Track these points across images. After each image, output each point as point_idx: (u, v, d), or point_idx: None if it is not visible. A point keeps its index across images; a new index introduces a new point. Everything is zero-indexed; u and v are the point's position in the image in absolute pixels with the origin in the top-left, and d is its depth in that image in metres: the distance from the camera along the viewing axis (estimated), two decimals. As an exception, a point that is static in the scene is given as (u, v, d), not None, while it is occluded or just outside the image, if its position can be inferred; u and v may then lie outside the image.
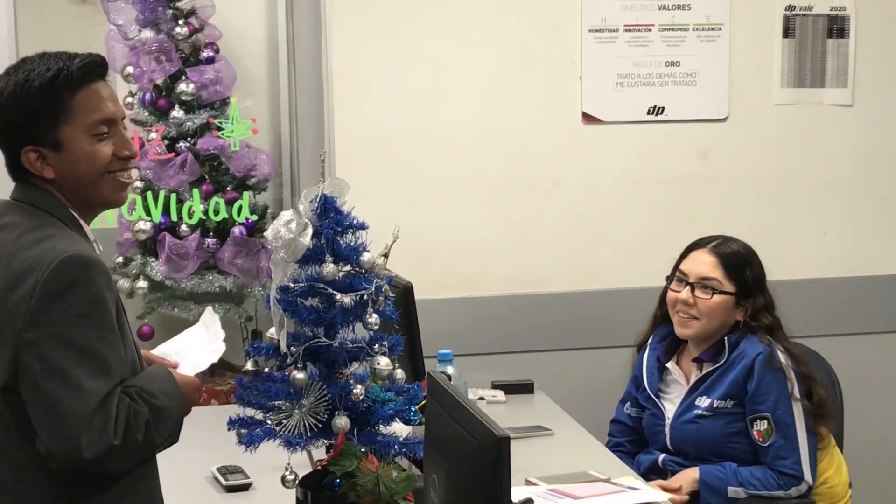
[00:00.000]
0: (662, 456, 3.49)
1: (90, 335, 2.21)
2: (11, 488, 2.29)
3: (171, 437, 2.37)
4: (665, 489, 3.25)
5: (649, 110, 4.28)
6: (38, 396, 2.19)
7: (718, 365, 3.43)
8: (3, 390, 2.24)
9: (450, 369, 3.37)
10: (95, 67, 2.36)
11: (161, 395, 2.33)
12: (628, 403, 3.65)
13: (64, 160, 2.32)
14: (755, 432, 3.36)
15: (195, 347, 2.62)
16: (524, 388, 3.95)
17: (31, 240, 2.26)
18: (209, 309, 2.79)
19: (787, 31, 4.35)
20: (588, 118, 4.25)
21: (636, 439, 3.64)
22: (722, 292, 3.43)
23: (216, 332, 2.71)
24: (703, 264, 3.47)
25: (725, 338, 3.43)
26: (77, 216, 2.36)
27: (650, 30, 4.26)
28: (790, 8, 4.34)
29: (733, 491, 3.33)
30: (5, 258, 2.27)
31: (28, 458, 2.27)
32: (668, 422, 3.50)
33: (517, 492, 2.68)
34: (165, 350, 2.62)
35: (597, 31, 4.22)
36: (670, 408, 3.50)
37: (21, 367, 2.20)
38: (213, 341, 2.68)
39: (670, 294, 3.52)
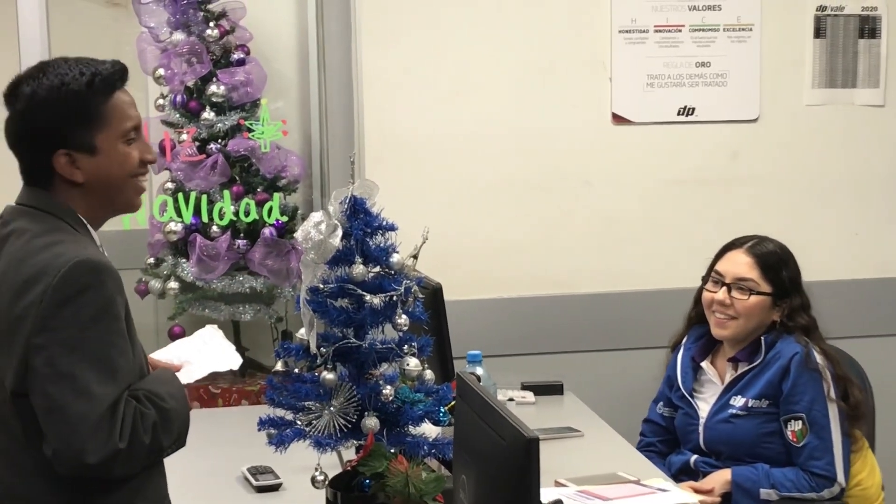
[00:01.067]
0: (694, 457, 3.49)
1: (99, 340, 2.21)
2: (19, 494, 2.30)
3: (179, 441, 2.36)
4: (697, 490, 3.25)
5: (679, 111, 4.27)
6: (46, 401, 2.18)
7: (754, 365, 3.42)
8: (13, 395, 2.24)
9: (479, 370, 3.37)
10: (125, 74, 2.38)
11: (168, 397, 2.33)
12: (661, 403, 3.65)
13: (97, 164, 2.33)
14: (789, 433, 3.35)
15: (197, 355, 2.62)
16: (554, 390, 3.94)
17: (39, 244, 2.26)
18: (212, 326, 2.79)
19: (819, 32, 4.33)
20: (618, 119, 4.24)
21: (668, 439, 3.63)
22: (759, 293, 3.42)
23: (219, 346, 2.71)
24: (740, 265, 3.46)
25: (762, 337, 3.42)
26: (85, 221, 2.37)
27: (680, 30, 4.25)
28: (821, 8, 4.32)
29: (765, 493, 3.31)
30: (14, 263, 2.27)
31: (34, 463, 2.27)
32: (701, 421, 3.49)
33: (547, 493, 2.68)
34: (164, 356, 2.62)
35: (627, 31, 4.21)
36: (704, 407, 3.49)
37: (30, 371, 2.20)
38: (218, 353, 2.69)
39: (706, 295, 3.50)
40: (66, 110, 2.29)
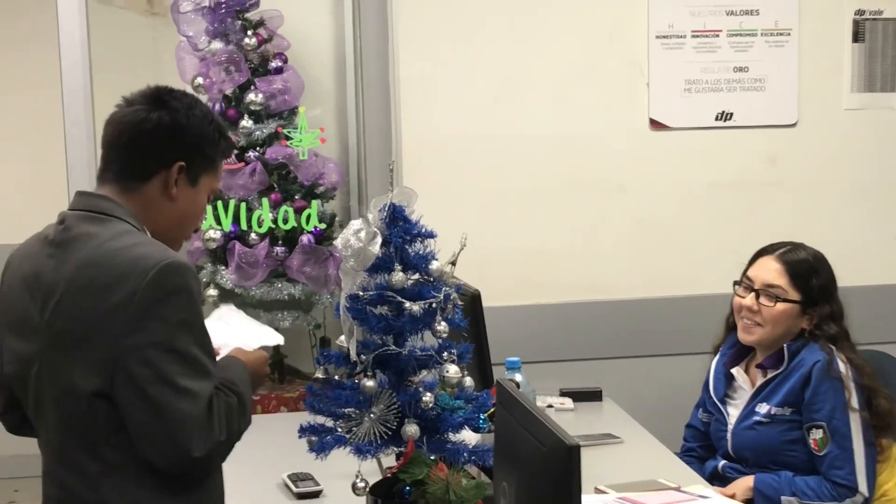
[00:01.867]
0: (722, 462, 3.48)
1: (190, 339, 2.27)
2: (86, 499, 2.32)
3: (249, 421, 2.43)
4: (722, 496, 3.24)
5: (717, 116, 4.26)
6: (146, 401, 2.23)
7: (779, 372, 3.40)
8: (92, 395, 2.27)
9: (518, 377, 3.36)
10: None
11: (241, 383, 2.41)
12: (701, 409, 3.64)
13: (188, 195, 2.44)
14: (811, 441, 3.33)
15: (228, 338, 2.63)
16: (592, 396, 3.94)
17: (115, 248, 2.30)
18: (226, 306, 2.81)
19: (857, 36, 4.32)
20: (655, 124, 4.23)
21: (707, 444, 3.62)
22: (786, 300, 3.41)
23: (247, 324, 2.74)
24: (769, 271, 3.45)
25: (785, 345, 3.41)
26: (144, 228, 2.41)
27: (718, 35, 4.24)
28: (860, 12, 4.31)
29: (787, 500, 3.30)
30: (90, 266, 2.29)
31: (98, 466, 2.31)
32: (730, 427, 3.48)
33: (587, 500, 2.67)
34: None
35: (664, 37, 4.21)
36: (734, 413, 3.49)
37: (123, 373, 2.24)
38: (251, 331, 2.71)
39: (736, 300, 3.50)
40: (207, 140, 2.45)
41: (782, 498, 3.30)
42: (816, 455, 3.32)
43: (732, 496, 3.28)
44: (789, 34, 4.27)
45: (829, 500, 3.28)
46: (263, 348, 2.66)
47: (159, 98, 2.43)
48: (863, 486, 3.28)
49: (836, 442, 3.29)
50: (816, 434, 3.31)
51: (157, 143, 2.40)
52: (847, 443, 3.29)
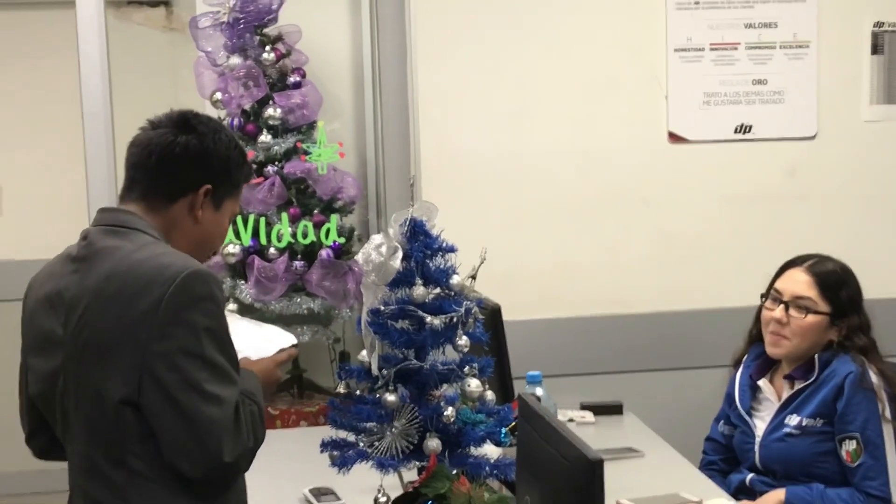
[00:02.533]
0: (751, 476, 3.46)
1: (216, 346, 2.29)
2: None
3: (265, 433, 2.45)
4: None
5: (736, 129, 4.26)
6: (174, 407, 2.25)
7: (809, 383, 3.39)
8: (120, 404, 2.28)
9: (539, 391, 3.36)
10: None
11: (258, 392, 2.43)
12: (722, 421, 3.63)
13: (211, 218, 2.48)
14: (844, 452, 3.31)
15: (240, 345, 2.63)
16: (613, 410, 3.93)
17: (140, 258, 2.32)
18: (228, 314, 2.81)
19: (876, 48, 4.31)
20: (674, 137, 4.23)
21: (729, 458, 3.61)
22: (816, 312, 3.39)
23: (255, 329, 2.74)
24: (799, 283, 3.44)
25: (816, 356, 3.39)
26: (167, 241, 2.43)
27: (736, 48, 4.23)
28: (878, 24, 4.30)
29: None
30: (115, 276, 2.31)
31: (125, 475, 2.31)
32: (757, 440, 3.46)
33: (609, 514, 2.67)
34: None
35: (682, 50, 4.21)
36: (761, 425, 3.47)
37: (150, 379, 2.26)
38: (261, 335, 2.71)
39: (765, 313, 3.48)
40: (232, 165, 2.49)
41: None
42: (849, 467, 3.30)
43: None
44: (808, 46, 4.26)
45: None
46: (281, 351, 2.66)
47: (186, 122, 2.46)
48: None
49: (870, 453, 3.27)
50: (850, 445, 3.30)
51: (186, 166, 2.43)
52: (880, 453, 3.28)
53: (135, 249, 2.34)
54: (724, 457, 3.62)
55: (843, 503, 3.28)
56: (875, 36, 4.31)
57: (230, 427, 2.26)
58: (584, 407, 3.90)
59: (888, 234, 4.33)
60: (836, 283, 3.42)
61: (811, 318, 3.39)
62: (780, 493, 3.34)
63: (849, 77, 4.30)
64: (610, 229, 4.21)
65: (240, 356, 2.51)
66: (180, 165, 2.43)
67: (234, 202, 2.53)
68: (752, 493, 3.42)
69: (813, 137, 4.30)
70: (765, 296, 3.51)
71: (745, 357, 3.59)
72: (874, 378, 3.33)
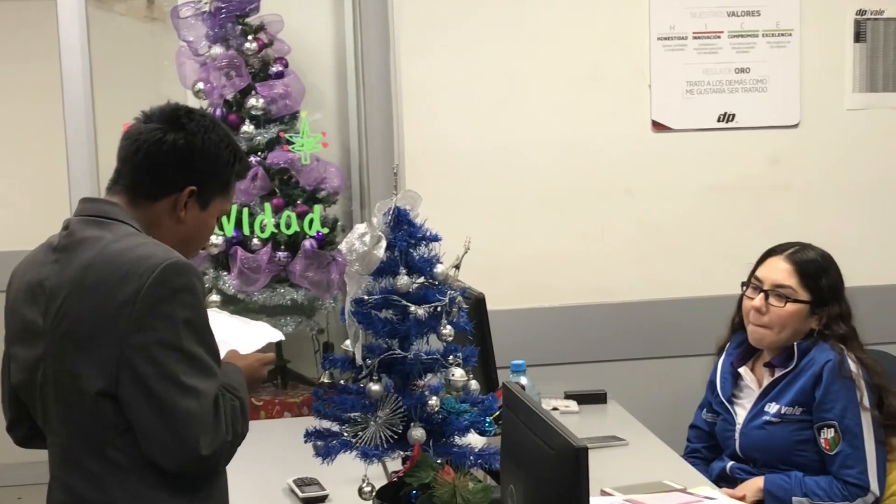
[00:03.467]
0: (731, 463, 3.47)
1: (195, 338, 2.28)
2: (90, 500, 2.32)
3: (248, 427, 2.44)
4: (730, 497, 3.23)
5: (719, 117, 4.26)
6: (151, 399, 2.24)
7: (788, 371, 3.40)
8: (98, 395, 2.27)
9: (523, 380, 3.36)
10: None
11: (240, 387, 2.41)
12: (705, 409, 3.64)
13: (196, 219, 2.46)
14: (822, 440, 3.32)
15: (225, 338, 2.62)
16: (597, 398, 3.93)
17: (120, 248, 2.31)
18: (211, 310, 2.80)
19: (859, 36, 4.31)
20: (658, 126, 4.23)
21: (712, 445, 3.62)
22: (796, 300, 3.40)
23: (238, 323, 2.73)
24: (779, 272, 3.44)
25: (795, 344, 3.40)
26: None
27: (719, 37, 4.23)
28: (861, 12, 4.30)
29: (798, 501, 3.29)
30: (95, 267, 2.30)
31: (104, 467, 2.31)
32: (738, 427, 3.47)
33: (593, 502, 2.67)
34: None
35: (665, 38, 4.20)
36: (742, 413, 3.48)
37: (128, 371, 2.25)
38: (246, 330, 2.71)
39: (745, 301, 3.49)
40: (221, 166, 2.46)
41: (793, 499, 3.29)
42: (827, 455, 3.31)
43: (742, 498, 3.27)
44: (790, 35, 4.26)
45: (840, 499, 3.27)
46: (267, 346, 2.66)
47: (177, 119, 2.44)
48: (874, 485, 3.28)
49: (848, 441, 3.28)
50: (828, 433, 3.31)
51: (171, 166, 2.41)
52: (859, 442, 3.29)
53: (115, 240, 2.33)
54: (707, 444, 3.63)
55: (821, 491, 3.29)
56: (858, 24, 4.31)
57: (208, 420, 2.25)
58: (568, 396, 3.91)
59: (870, 222, 4.34)
60: (817, 271, 3.43)
61: (791, 306, 3.40)
62: (759, 481, 3.35)
63: (831, 65, 4.30)
64: (594, 218, 4.21)
65: (226, 349, 2.52)
66: (165, 165, 2.40)
67: (223, 201, 2.50)
68: (733, 480, 3.43)
69: (796, 126, 4.30)
70: (746, 284, 3.52)
71: (728, 345, 3.60)
72: (853, 366, 3.34)
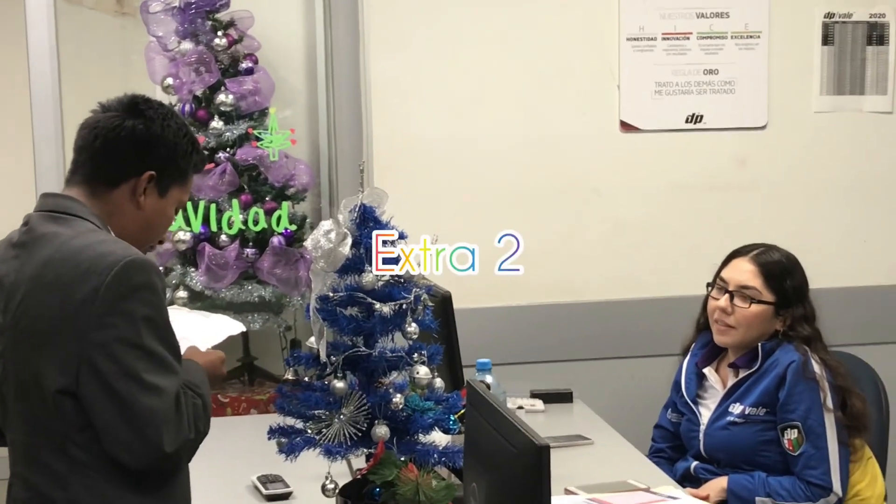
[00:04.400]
0: (695, 463, 3.49)
1: (155, 336, 2.28)
2: (51, 498, 2.31)
3: (208, 427, 2.43)
4: (694, 497, 3.25)
5: (688, 118, 4.27)
6: (113, 398, 2.24)
7: (752, 371, 3.41)
8: (58, 393, 2.26)
9: (489, 378, 3.37)
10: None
11: (202, 384, 2.41)
12: (670, 409, 3.65)
13: (155, 206, 2.45)
14: (786, 441, 3.34)
15: (187, 333, 2.61)
16: (563, 398, 3.94)
17: (79, 245, 2.30)
18: (172, 308, 2.78)
19: (826, 39, 4.33)
20: (626, 126, 4.24)
21: (677, 445, 3.63)
22: (760, 301, 3.42)
23: (198, 318, 2.73)
24: (744, 273, 3.46)
25: (760, 344, 3.42)
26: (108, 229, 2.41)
27: (688, 38, 4.25)
28: (829, 15, 4.32)
29: (761, 501, 3.31)
30: (54, 264, 2.29)
31: (65, 464, 2.30)
32: (702, 428, 3.49)
33: (557, 501, 2.68)
34: None
35: (635, 39, 4.22)
36: (706, 413, 3.50)
37: (88, 369, 2.24)
38: (206, 324, 2.70)
39: (710, 302, 3.51)
40: (179, 153, 2.46)
41: (756, 499, 3.31)
42: (791, 455, 3.33)
43: (706, 498, 3.29)
44: (759, 37, 4.28)
45: (803, 500, 3.29)
46: (229, 339, 2.66)
47: (135, 106, 2.44)
48: (837, 485, 3.30)
49: (811, 442, 3.30)
50: (791, 434, 3.33)
51: (131, 151, 2.40)
52: (822, 443, 3.30)
53: (74, 236, 2.32)
54: (671, 444, 3.64)
55: (784, 491, 3.31)
56: (826, 27, 4.33)
57: (170, 417, 2.25)
58: (533, 395, 3.91)
59: (836, 224, 4.36)
60: (781, 272, 3.45)
61: (755, 307, 3.42)
62: (722, 481, 3.37)
63: (799, 67, 4.33)
64: (561, 218, 4.22)
65: (187, 346, 2.50)
66: (125, 150, 2.40)
67: (181, 191, 2.49)
68: (697, 480, 3.45)
69: (763, 127, 4.32)
70: (711, 285, 3.53)
71: (693, 345, 3.61)
72: (816, 367, 3.36)
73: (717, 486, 3.36)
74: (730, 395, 3.44)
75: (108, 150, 2.40)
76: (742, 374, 3.44)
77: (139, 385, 2.23)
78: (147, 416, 2.23)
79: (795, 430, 3.32)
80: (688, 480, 3.45)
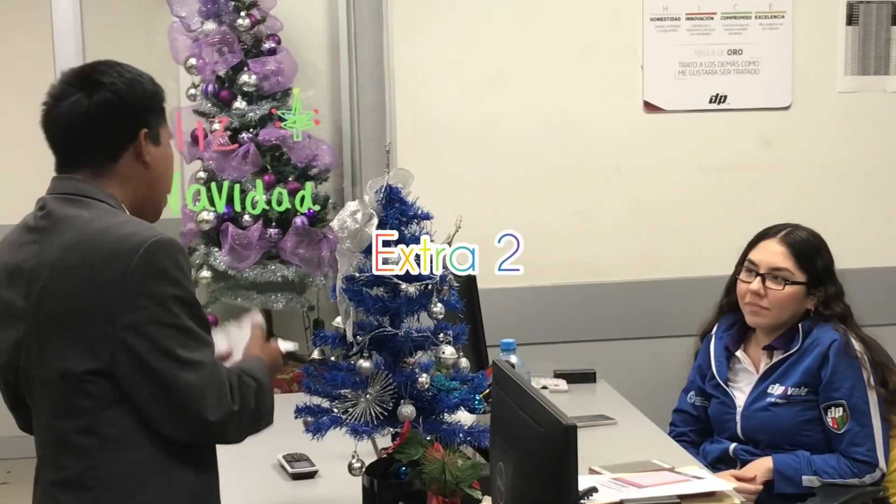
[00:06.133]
0: (734, 445, 3.47)
1: (185, 313, 2.30)
2: (83, 479, 2.33)
3: (271, 416, 2.47)
4: (738, 478, 3.24)
5: (711, 99, 4.26)
6: (151, 377, 2.27)
7: (791, 352, 3.41)
8: (85, 373, 2.27)
9: (513, 358, 3.37)
10: None
11: (259, 371, 2.45)
12: (692, 393, 3.64)
13: (158, 157, 2.45)
14: (829, 419, 3.34)
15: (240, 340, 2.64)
16: (586, 378, 3.94)
17: (101, 227, 2.30)
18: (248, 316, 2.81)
19: (851, 19, 4.31)
20: (650, 107, 4.23)
21: (700, 429, 3.62)
22: (794, 282, 3.41)
23: (225, 330, 2.75)
24: (774, 254, 3.45)
25: (799, 325, 3.41)
26: (125, 209, 2.41)
27: (712, 18, 4.23)
28: (854, -5, 4.31)
29: (808, 479, 3.31)
30: (74, 248, 2.30)
31: (94, 443, 2.31)
32: (738, 410, 3.47)
33: (581, 480, 2.67)
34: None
35: (658, 19, 4.20)
36: (740, 396, 3.48)
37: (125, 351, 2.26)
38: (233, 332, 2.72)
39: (741, 285, 3.49)
40: (151, 97, 2.44)
41: (803, 477, 3.31)
42: (835, 433, 3.33)
43: (752, 479, 3.29)
44: (783, 17, 4.27)
45: (850, 476, 3.30)
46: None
47: (89, 79, 2.40)
48: (882, 461, 3.31)
49: (857, 419, 3.30)
50: (836, 412, 3.32)
51: (114, 123, 2.39)
52: (867, 420, 3.31)
53: (94, 218, 2.32)
54: (694, 428, 3.64)
55: (831, 469, 3.31)
56: (850, 7, 4.31)
57: (210, 388, 2.29)
58: (557, 375, 3.92)
59: (859, 204, 4.35)
60: (811, 251, 3.44)
61: (789, 288, 3.41)
62: (767, 461, 3.35)
63: (823, 48, 4.31)
64: (584, 198, 4.22)
65: (239, 350, 2.54)
66: (107, 125, 2.38)
67: (165, 128, 2.49)
68: (735, 462, 3.44)
69: (787, 108, 4.31)
70: (738, 268, 3.52)
71: (716, 328, 3.60)
72: (857, 345, 3.36)
73: (762, 466, 3.35)
74: (767, 377, 3.43)
75: (92, 133, 2.38)
76: (778, 356, 3.43)
77: (176, 362, 2.26)
78: (187, 391, 2.27)
79: (840, 409, 3.32)
80: (724, 462, 3.44)
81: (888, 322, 4.05)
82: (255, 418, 2.41)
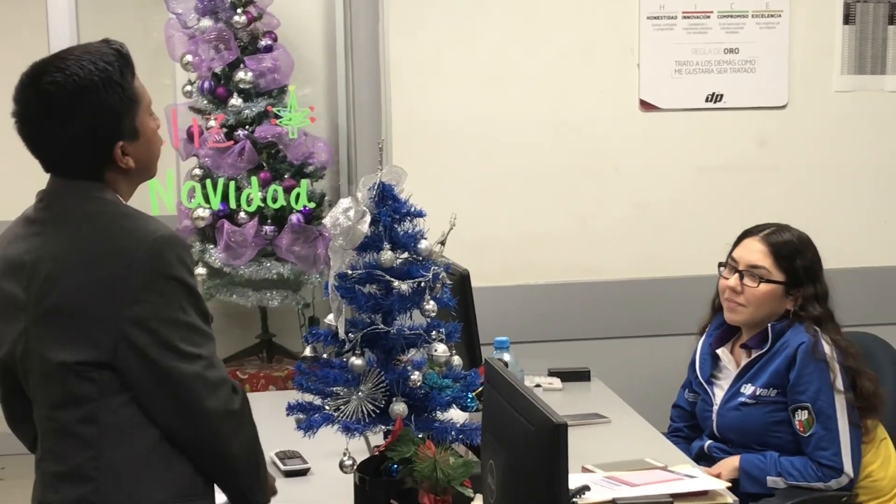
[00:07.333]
0: (709, 442, 3.49)
1: (190, 307, 2.30)
2: (85, 468, 2.33)
3: (264, 489, 2.48)
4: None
5: (707, 97, 4.26)
6: (153, 370, 2.27)
7: (763, 352, 3.41)
8: (86, 365, 2.28)
9: (506, 356, 3.36)
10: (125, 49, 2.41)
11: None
12: (687, 389, 3.65)
13: (140, 146, 2.37)
14: (796, 422, 3.34)
15: None
16: (580, 376, 3.94)
17: (106, 221, 2.31)
18: None
19: (848, 18, 4.31)
20: (646, 106, 4.23)
21: (694, 424, 3.63)
22: (770, 281, 3.41)
23: None
24: (754, 252, 3.45)
25: (770, 325, 3.41)
26: (122, 199, 2.41)
27: (709, 16, 4.23)
28: (850, -6, 4.31)
29: (772, 480, 3.31)
30: (77, 242, 2.29)
31: (95, 433, 2.31)
32: (715, 408, 3.49)
33: (574, 479, 2.68)
34: None
35: (655, 18, 4.20)
36: (719, 394, 3.50)
37: (127, 344, 2.26)
38: None
39: (721, 281, 3.51)
40: (114, 99, 2.30)
41: (768, 478, 3.31)
42: (801, 436, 3.33)
43: (718, 476, 3.29)
44: (780, 16, 4.27)
45: (814, 480, 3.29)
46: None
47: (50, 105, 2.30)
48: (848, 466, 3.29)
49: (822, 423, 3.30)
50: (801, 415, 3.32)
51: (88, 147, 2.31)
52: (832, 424, 3.30)
53: (97, 213, 2.32)
54: (688, 424, 3.64)
55: (796, 471, 3.31)
56: (847, 6, 4.31)
57: (209, 380, 2.28)
58: (551, 373, 3.91)
59: (856, 203, 4.35)
60: (791, 252, 3.44)
61: (764, 286, 3.41)
62: (734, 460, 3.37)
63: (820, 47, 4.31)
64: (581, 197, 4.22)
65: None
66: (82, 151, 2.31)
67: (143, 112, 2.35)
68: (710, 459, 3.45)
69: (784, 107, 4.31)
70: (722, 264, 3.53)
71: (709, 326, 3.61)
72: (826, 348, 3.35)
73: (729, 465, 3.36)
74: (742, 376, 3.44)
75: (70, 162, 2.32)
76: (754, 355, 3.44)
77: (177, 354, 2.27)
78: (188, 383, 2.27)
79: (806, 412, 3.32)
80: (702, 459, 3.46)
81: (884, 322, 4.05)
82: (246, 419, 2.40)
